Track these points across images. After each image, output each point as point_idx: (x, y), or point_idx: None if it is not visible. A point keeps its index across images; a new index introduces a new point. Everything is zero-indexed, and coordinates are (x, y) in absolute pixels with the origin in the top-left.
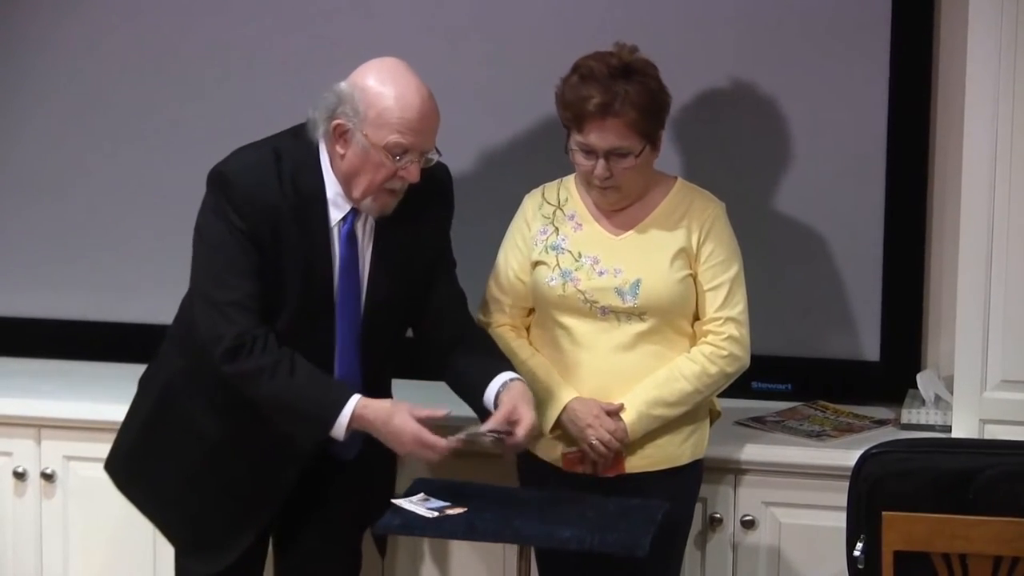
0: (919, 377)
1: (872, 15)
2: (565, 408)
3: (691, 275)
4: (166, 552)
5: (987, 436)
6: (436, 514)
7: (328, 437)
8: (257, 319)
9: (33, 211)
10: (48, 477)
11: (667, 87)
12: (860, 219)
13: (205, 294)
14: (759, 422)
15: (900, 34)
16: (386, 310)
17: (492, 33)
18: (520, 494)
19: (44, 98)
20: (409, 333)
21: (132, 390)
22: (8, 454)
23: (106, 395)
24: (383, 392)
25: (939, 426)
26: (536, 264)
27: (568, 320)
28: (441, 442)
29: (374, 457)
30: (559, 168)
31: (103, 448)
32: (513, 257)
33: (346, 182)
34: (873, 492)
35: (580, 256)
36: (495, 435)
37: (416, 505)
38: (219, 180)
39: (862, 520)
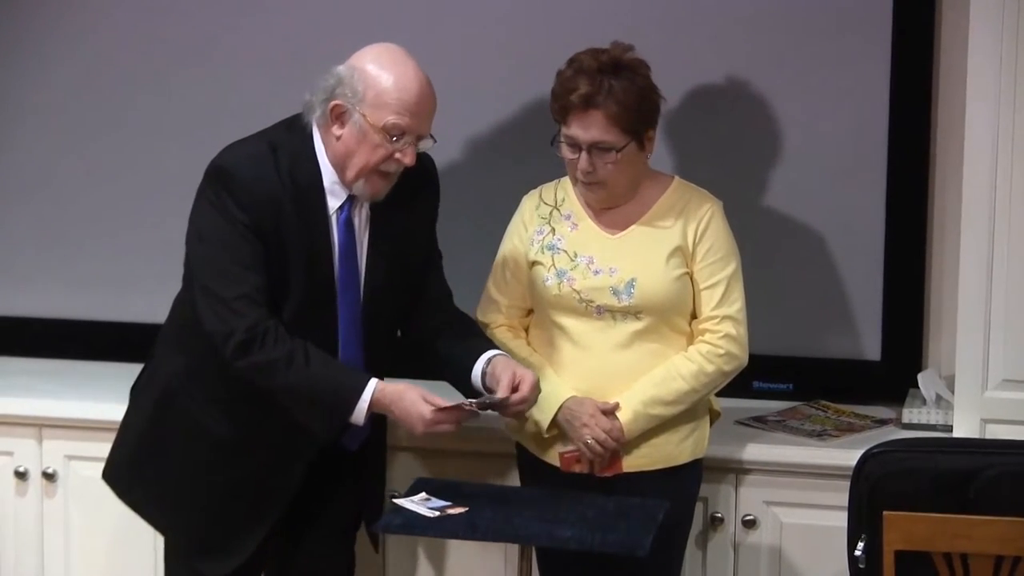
0: (920, 376)
1: (873, 14)
2: (561, 407)
3: (687, 273)
4: None
5: (988, 436)
6: (437, 513)
7: (342, 425)
8: (266, 311)
9: (34, 210)
10: (49, 477)
11: (659, 88)
12: (861, 218)
13: (210, 290)
14: (760, 422)
15: (901, 32)
16: (384, 295)
17: (491, 33)
18: (521, 494)
19: (42, 97)
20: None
21: None
22: (9, 454)
23: (107, 394)
24: (383, 377)
25: (940, 426)
26: (533, 264)
27: (565, 320)
28: (453, 415)
29: (367, 455)
30: (558, 169)
31: (104, 448)
32: (510, 258)
33: (340, 164)
34: (874, 492)
35: (576, 256)
36: (500, 401)
37: (417, 505)
38: (219, 174)
39: (863, 520)
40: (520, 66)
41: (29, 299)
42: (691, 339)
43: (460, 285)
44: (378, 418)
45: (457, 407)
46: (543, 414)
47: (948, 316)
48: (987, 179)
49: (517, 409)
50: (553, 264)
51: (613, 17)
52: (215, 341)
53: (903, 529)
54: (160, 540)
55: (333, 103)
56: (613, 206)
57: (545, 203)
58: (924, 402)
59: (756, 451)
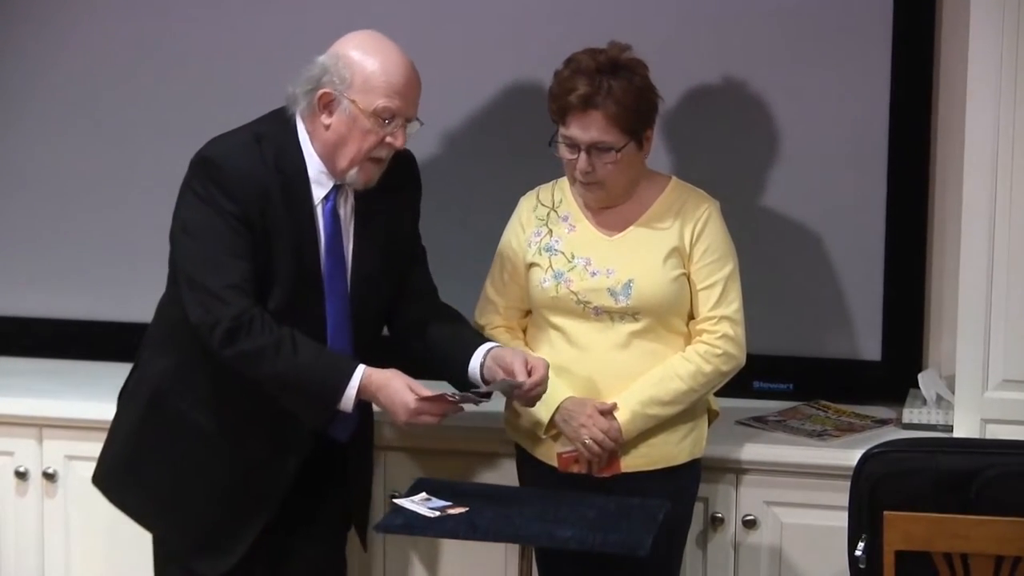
0: (920, 377)
1: (873, 13)
2: (559, 408)
3: (684, 274)
4: None
5: (989, 436)
6: (437, 514)
7: (331, 413)
8: (253, 301)
9: (35, 211)
10: (50, 477)
11: (657, 88)
12: (862, 218)
13: (196, 281)
14: (760, 422)
15: (901, 31)
16: (371, 285)
17: (487, 33)
18: (521, 494)
19: (44, 97)
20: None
21: None
22: (10, 454)
23: (108, 394)
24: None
25: (941, 426)
26: (530, 266)
27: (562, 321)
28: (437, 407)
29: (353, 454)
30: (556, 169)
31: None
32: (508, 259)
33: (330, 154)
34: (874, 492)
35: (573, 257)
36: (518, 385)
37: (417, 505)
38: (205, 164)
39: (863, 520)
40: (517, 66)
41: (29, 299)
42: (689, 339)
43: (458, 286)
44: (365, 415)
45: (440, 397)
46: (541, 414)
47: (948, 316)
48: (987, 179)
49: (535, 393)
50: (550, 265)
51: (611, 16)
52: (201, 332)
53: (903, 529)
54: None
55: (321, 92)
56: (611, 206)
57: (542, 204)
58: (924, 402)
59: (756, 451)
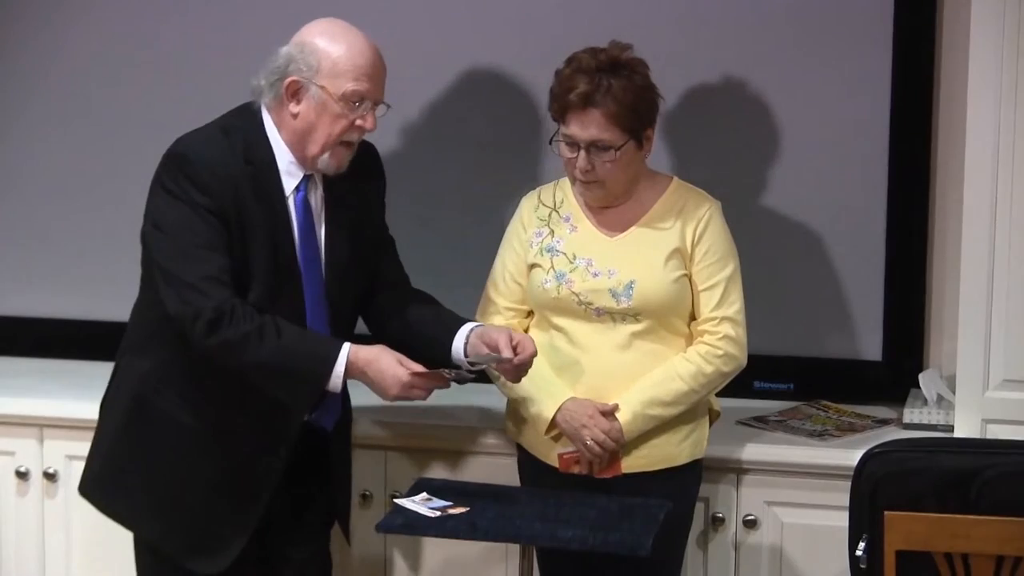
0: (921, 377)
1: (874, 13)
2: (560, 408)
3: (686, 275)
4: None
5: (989, 436)
6: (438, 513)
7: (319, 397)
8: (232, 291)
9: (36, 210)
10: (50, 476)
11: (657, 87)
12: (862, 218)
13: (173, 274)
14: (761, 421)
15: (902, 31)
16: (346, 272)
17: (488, 32)
18: (522, 494)
19: (44, 96)
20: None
21: None
22: (10, 454)
23: None
24: None
25: (941, 426)
26: (532, 267)
27: (564, 322)
28: (429, 382)
29: (334, 449)
30: (557, 170)
31: None
32: (510, 260)
33: (300, 142)
34: (875, 492)
35: (574, 258)
36: (500, 360)
37: (418, 505)
38: (176, 160)
39: (864, 520)
40: (517, 65)
41: (30, 299)
42: (690, 340)
43: (459, 286)
44: (346, 408)
45: (435, 374)
46: (542, 415)
47: (949, 316)
48: (988, 179)
49: (520, 368)
50: (552, 266)
51: (612, 16)
52: (183, 325)
53: (904, 529)
54: None
55: (288, 80)
56: (610, 205)
57: (544, 205)
58: (925, 402)
59: (757, 451)
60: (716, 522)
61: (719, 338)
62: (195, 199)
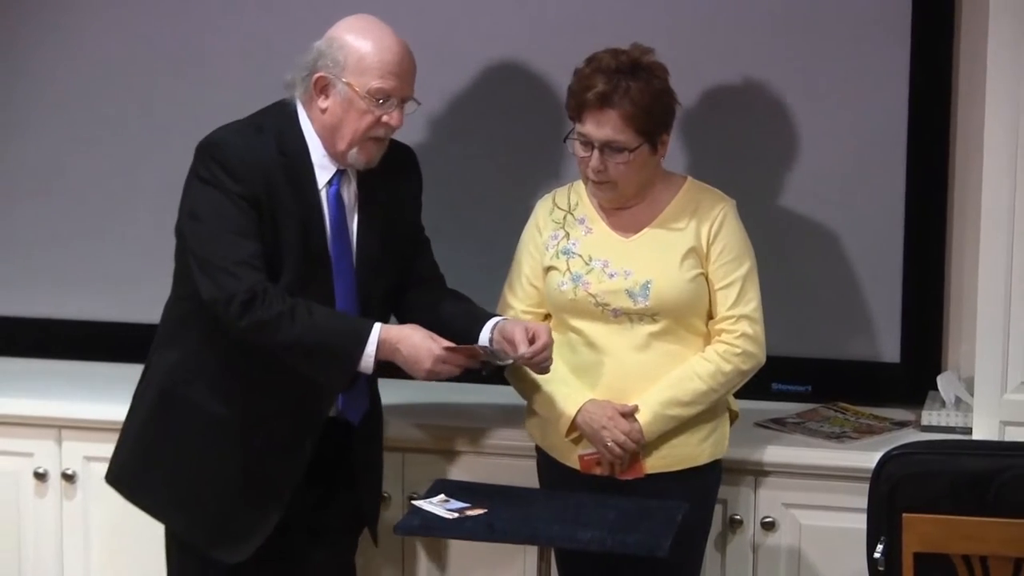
0: (939, 379)
1: (892, 14)
2: (580, 410)
3: (702, 274)
4: None
5: (1007, 438)
6: (456, 515)
7: (351, 375)
8: (264, 275)
9: (54, 211)
10: (69, 478)
11: (676, 93)
12: (880, 220)
13: (207, 260)
14: (779, 423)
15: (920, 30)
16: (377, 268)
17: (504, 34)
18: (540, 495)
19: (58, 97)
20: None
21: None
22: (29, 455)
23: (126, 396)
24: None
25: (959, 428)
26: (548, 269)
27: (581, 324)
28: (460, 359)
29: (360, 451)
30: (572, 172)
31: None
32: (526, 263)
33: (330, 136)
34: (893, 494)
35: (590, 259)
36: (520, 356)
37: (436, 506)
38: (210, 148)
39: (882, 522)
40: (534, 66)
41: (48, 301)
42: (708, 339)
43: (473, 289)
44: (374, 405)
45: (467, 349)
46: (562, 417)
47: (967, 318)
48: (1007, 180)
49: (541, 359)
50: (568, 268)
51: (630, 16)
52: (216, 308)
53: (922, 531)
54: None
55: (316, 76)
56: (624, 206)
57: (559, 207)
58: (943, 404)
59: (775, 453)
60: (734, 524)
61: (737, 336)
62: (227, 185)
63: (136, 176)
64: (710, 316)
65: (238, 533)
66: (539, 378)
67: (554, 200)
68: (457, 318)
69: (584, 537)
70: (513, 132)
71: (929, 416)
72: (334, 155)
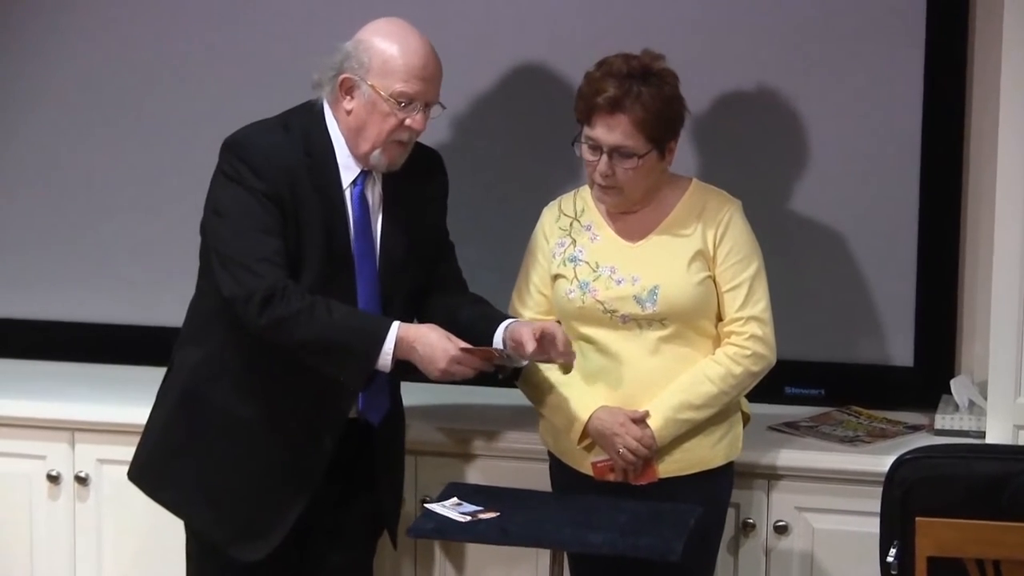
0: (953, 382)
1: (906, 16)
2: (591, 417)
3: (710, 277)
4: None
5: (1021, 442)
6: (469, 518)
7: (370, 372)
8: (285, 273)
9: (68, 214)
10: (82, 480)
11: (685, 99)
12: (894, 223)
13: (229, 257)
14: (792, 427)
15: (934, 34)
16: (400, 270)
17: (513, 40)
18: (553, 498)
19: (67, 99)
20: None
21: None
22: (42, 457)
23: (140, 398)
24: None
25: (973, 431)
26: (556, 277)
27: (591, 331)
28: (476, 360)
29: (381, 455)
30: (579, 178)
31: None
32: (534, 272)
33: (354, 137)
34: (907, 497)
35: (598, 266)
36: (527, 358)
37: (449, 509)
38: (234, 146)
39: (896, 526)
40: (541, 72)
41: (62, 303)
42: (718, 342)
43: (489, 291)
44: (396, 407)
45: (483, 351)
46: (574, 425)
47: (981, 321)
48: (1021, 182)
49: (557, 355)
50: (575, 276)
51: (642, 21)
52: (236, 305)
53: (936, 535)
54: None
55: (342, 77)
56: (629, 211)
57: (565, 214)
58: (957, 408)
59: (788, 457)
60: (747, 528)
61: (746, 338)
62: (251, 183)
63: (152, 178)
64: (719, 318)
65: (258, 531)
66: (550, 385)
67: (560, 207)
68: (475, 322)
69: (596, 540)
70: (531, 134)
71: (942, 420)
72: (358, 156)
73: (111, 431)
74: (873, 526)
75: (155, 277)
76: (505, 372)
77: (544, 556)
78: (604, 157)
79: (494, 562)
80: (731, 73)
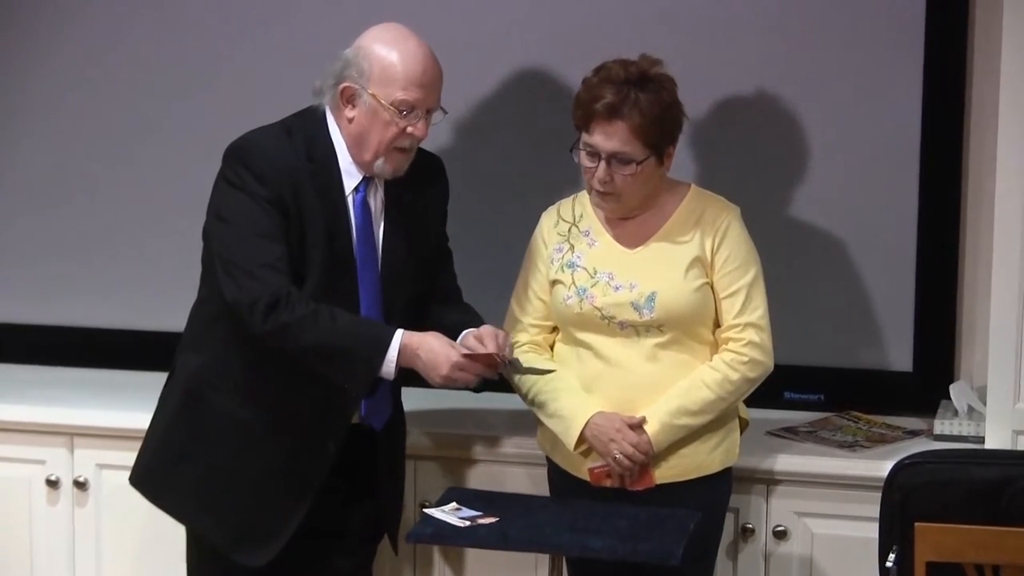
0: (952, 388)
1: (905, 21)
2: (588, 423)
3: (708, 283)
4: None
5: (1021, 447)
6: (468, 523)
7: (373, 379)
8: (289, 279)
9: (67, 219)
10: (81, 485)
11: (683, 104)
12: (893, 228)
13: (232, 262)
14: (791, 432)
15: (934, 39)
16: (402, 276)
17: (514, 42)
18: (552, 503)
19: (76, 102)
20: None
21: None
22: (41, 462)
23: (139, 403)
24: None
25: (972, 437)
26: (554, 283)
27: (589, 337)
28: (478, 367)
29: (383, 460)
30: (578, 184)
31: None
32: (532, 277)
33: (356, 145)
34: (906, 503)
35: (595, 272)
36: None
37: (448, 514)
38: (236, 152)
39: (895, 531)
40: (540, 76)
41: (61, 308)
42: (716, 348)
43: (489, 297)
44: (397, 413)
45: (484, 357)
46: (570, 431)
47: (980, 327)
48: (1020, 188)
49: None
50: (573, 282)
51: (640, 26)
52: (240, 311)
53: (935, 540)
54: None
55: (342, 86)
56: (628, 217)
57: (563, 220)
58: (956, 413)
59: (787, 461)
60: (746, 532)
61: (743, 344)
62: (254, 189)
63: (150, 183)
64: (717, 325)
65: (260, 536)
66: (547, 391)
67: (559, 212)
68: (450, 332)
69: (596, 546)
70: (532, 139)
71: (942, 425)
72: (360, 164)
73: (110, 436)
74: (872, 531)
75: (155, 282)
76: (513, 372)
77: (543, 561)
78: (602, 164)
79: (493, 567)
80: (729, 77)
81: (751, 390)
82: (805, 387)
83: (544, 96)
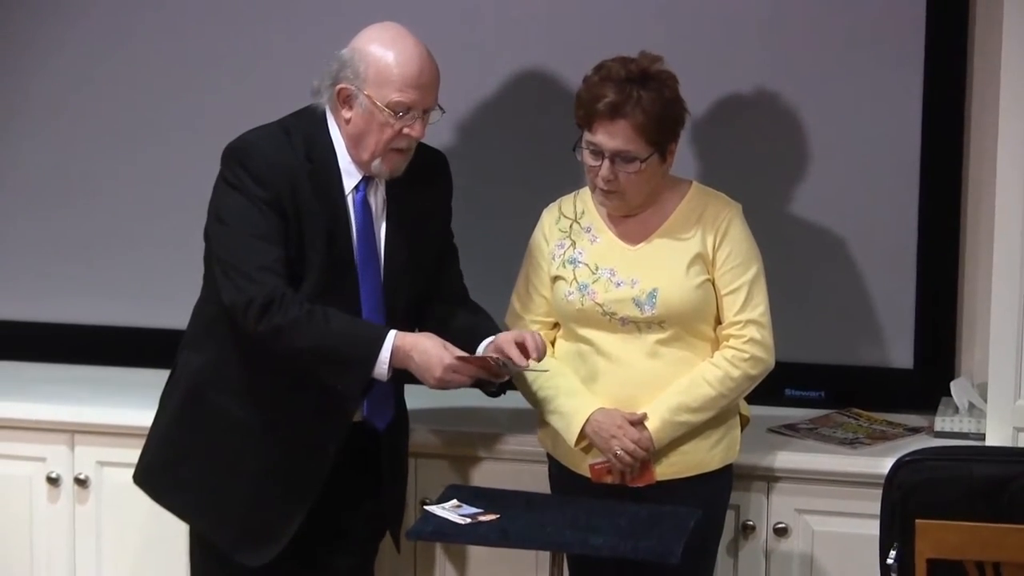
0: (953, 385)
1: (906, 21)
2: (588, 420)
3: (709, 280)
4: None
5: (1021, 444)
6: (468, 520)
7: (367, 381)
8: (285, 281)
9: (68, 216)
10: (81, 483)
11: (685, 101)
12: (894, 225)
13: (230, 264)
14: (792, 429)
15: (934, 38)
16: (403, 276)
17: (514, 41)
18: (553, 501)
19: (79, 102)
20: None
21: None
22: (42, 459)
23: (139, 401)
24: None
25: (973, 434)
26: (555, 279)
27: (590, 333)
28: (471, 369)
29: (386, 460)
30: (580, 181)
31: (136, 453)
32: (533, 273)
33: (354, 146)
34: (906, 500)
35: (597, 269)
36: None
37: (448, 512)
38: (235, 153)
39: (895, 528)
40: (541, 74)
41: (61, 305)
42: (717, 345)
43: (492, 295)
44: (400, 413)
45: (479, 359)
46: (571, 427)
47: (981, 324)
48: (1020, 185)
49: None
50: (575, 278)
51: (640, 24)
52: (235, 312)
53: (935, 537)
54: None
55: (339, 87)
56: (628, 215)
57: (565, 216)
58: (957, 410)
59: (788, 459)
60: (747, 530)
61: (744, 341)
62: (251, 190)
63: (150, 181)
64: (718, 322)
65: (261, 536)
66: (548, 388)
67: (560, 209)
68: (459, 335)
69: (596, 543)
70: (533, 137)
71: (942, 422)
72: (359, 164)
73: (111, 433)
74: (873, 528)
75: (156, 280)
76: (492, 387)
77: (544, 558)
78: (606, 162)
79: (494, 565)
80: (730, 76)
81: (752, 387)
82: (806, 384)
83: (544, 94)
